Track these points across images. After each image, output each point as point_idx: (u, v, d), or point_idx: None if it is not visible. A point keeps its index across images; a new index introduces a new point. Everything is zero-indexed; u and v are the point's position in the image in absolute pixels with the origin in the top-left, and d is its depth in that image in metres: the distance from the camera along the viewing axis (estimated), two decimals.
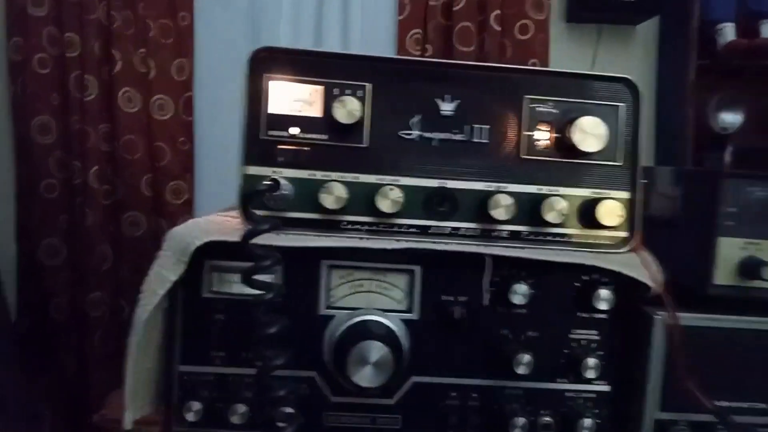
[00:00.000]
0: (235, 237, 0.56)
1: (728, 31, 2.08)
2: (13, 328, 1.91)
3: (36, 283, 2.00)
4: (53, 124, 1.98)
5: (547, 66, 2.09)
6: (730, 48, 2.06)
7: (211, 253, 0.60)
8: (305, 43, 2.14)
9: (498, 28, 2.05)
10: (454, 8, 2.05)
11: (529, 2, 2.08)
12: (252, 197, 0.56)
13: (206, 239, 0.58)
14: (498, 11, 2.05)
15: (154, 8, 1.99)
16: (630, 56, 2.30)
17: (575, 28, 2.26)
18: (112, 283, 1.96)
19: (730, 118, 2.14)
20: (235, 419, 0.60)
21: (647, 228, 0.71)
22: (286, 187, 0.60)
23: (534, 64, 2.08)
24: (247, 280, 0.53)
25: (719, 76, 2.12)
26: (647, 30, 2.29)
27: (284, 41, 2.13)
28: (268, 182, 0.58)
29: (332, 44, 2.13)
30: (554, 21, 2.19)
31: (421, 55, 2.08)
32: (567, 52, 2.23)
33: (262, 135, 0.62)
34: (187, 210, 2.04)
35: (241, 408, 0.60)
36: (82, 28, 1.95)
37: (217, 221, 0.68)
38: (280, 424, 0.55)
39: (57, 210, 1.98)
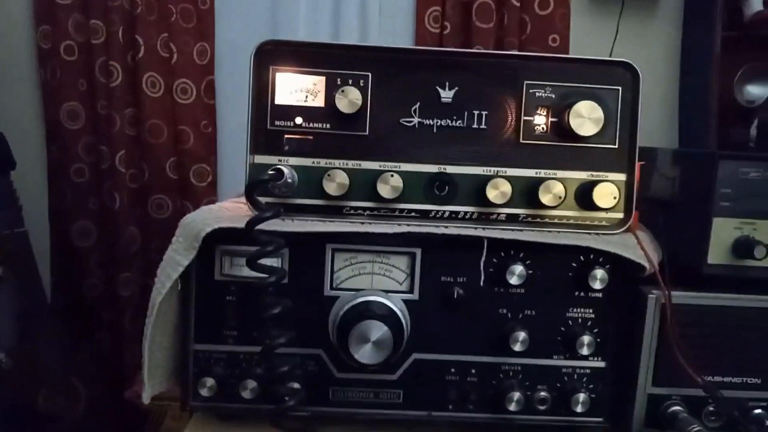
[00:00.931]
0: (242, 223, 0.59)
1: (755, 1, 2.03)
2: (49, 306, 1.99)
3: (69, 263, 2.08)
4: (81, 110, 2.04)
5: (567, 42, 2.07)
6: (758, 18, 2.01)
7: (222, 238, 0.63)
8: (324, 20, 2.15)
9: (517, 4, 2.03)
10: None
11: None
12: (256, 186, 0.59)
13: (216, 226, 0.61)
14: None
15: None
16: (653, 30, 2.25)
17: (597, 2, 2.23)
18: (140, 263, 2.03)
19: (757, 91, 2.10)
20: (246, 394, 0.64)
21: (648, 208, 0.73)
22: (290, 176, 0.63)
23: (554, 40, 2.06)
24: (252, 265, 0.56)
25: (746, 48, 2.07)
26: (671, 2, 2.24)
27: (303, 20, 2.15)
28: (272, 171, 0.61)
29: (350, 22, 2.13)
30: None
31: (441, 33, 2.07)
32: (589, 27, 2.20)
33: (269, 125, 0.65)
34: (211, 192, 2.09)
35: (252, 384, 0.64)
36: (106, 14, 1.99)
37: (229, 207, 0.71)
38: (287, 399, 0.58)
39: (87, 193, 2.05)
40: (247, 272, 0.61)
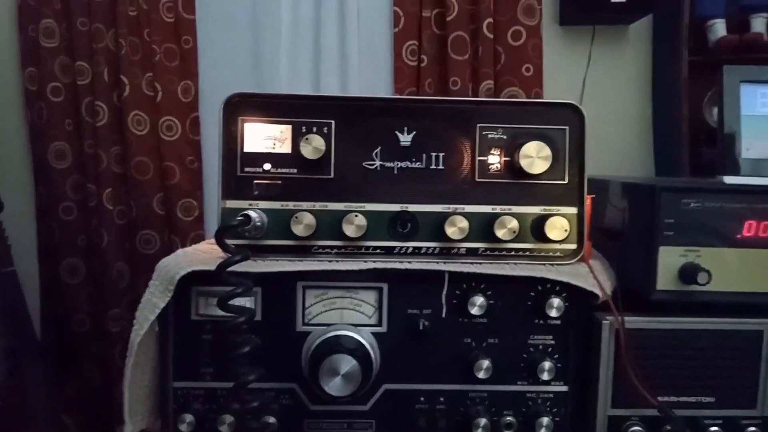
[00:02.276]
0: (214, 266, 0.63)
1: (719, 27, 2.11)
2: (39, 342, 2.01)
3: (58, 300, 2.10)
4: (68, 149, 2.07)
5: (540, 71, 2.14)
6: (721, 44, 2.09)
7: (197, 280, 0.67)
8: (304, 57, 2.21)
9: (491, 36, 2.10)
10: (447, 18, 2.10)
11: (521, 9, 2.12)
12: (225, 231, 0.63)
13: (189, 269, 0.65)
14: (490, 19, 2.09)
15: (159, 33, 2.08)
16: (624, 56, 2.33)
17: (569, 30, 2.30)
18: (129, 299, 2.05)
19: None
20: (223, 429, 0.68)
21: (602, 238, 0.77)
22: (259, 219, 0.67)
23: (528, 69, 2.12)
24: (223, 306, 0.60)
25: (711, 72, 2.14)
26: (641, 29, 2.32)
27: (284, 56, 2.20)
28: (240, 217, 0.65)
29: (330, 57, 2.19)
30: (547, 25, 2.23)
31: (418, 66, 2.14)
32: (561, 55, 2.27)
33: (239, 172, 0.69)
34: (198, 226, 2.12)
35: (229, 418, 0.68)
36: (91, 56, 2.04)
37: (204, 250, 0.75)
38: None
39: (75, 231, 2.08)
40: (221, 312, 0.65)
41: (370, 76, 2.20)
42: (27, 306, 1.88)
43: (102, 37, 2.04)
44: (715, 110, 2.15)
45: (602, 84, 2.29)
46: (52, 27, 2.05)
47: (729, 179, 0.73)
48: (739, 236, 0.69)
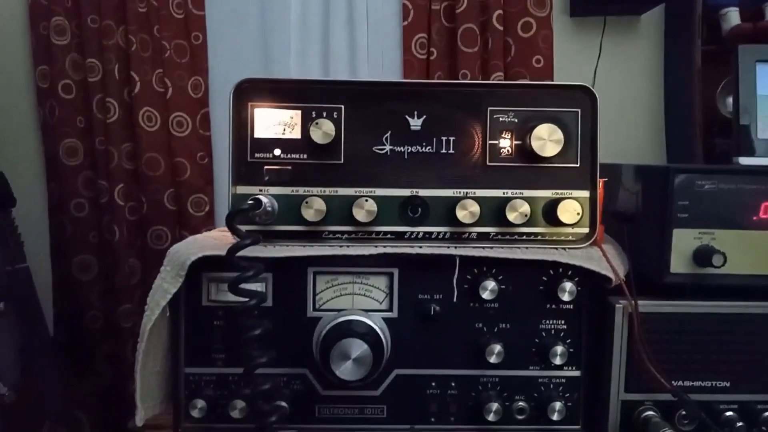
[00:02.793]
0: (225, 251, 0.62)
1: (732, 16, 2.09)
2: (52, 339, 2.02)
3: (71, 296, 2.12)
4: (80, 146, 2.09)
5: (551, 63, 2.12)
6: (735, 32, 2.07)
7: (208, 266, 0.67)
8: (314, 51, 2.21)
9: (500, 28, 2.09)
10: (457, 10, 2.09)
11: (531, 0, 2.11)
12: (236, 215, 0.63)
13: (200, 254, 0.65)
14: (500, 11, 2.08)
15: (168, 30, 2.09)
16: (636, 46, 2.31)
17: (579, 21, 2.28)
18: (141, 294, 2.06)
19: None
20: (235, 414, 0.68)
21: (615, 222, 0.77)
22: (270, 204, 0.67)
23: (538, 61, 2.11)
24: (234, 289, 0.60)
25: (725, 62, 2.12)
26: (652, 19, 2.30)
27: (294, 52, 2.21)
28: (251, 201, 0.65)
29: (340, 52, 2.19)
30: (558, 16, 2.22)
31: (427, 59, 2.13)
32: (572, 47, 2.25)
33: (249, 158, 0.69)
34: (209, 221, 2.13)
35: (240, 404, 0.68)
36: (102, 53, 2.05)
37: (215, 236, 0.75)
38: (272, 419, 0.61)
39: (87, 227, 2.09)
40: (232, 297, 0.64)
41: (379, 69, 2.20)
42: (40, 303, 1.90)
43: (112, 34, 2.05)
44: (729, 100, 2.14)
45: (613, 75, 2.27)
46: (63, 24, 2.06)
47: (744, 160, 0.72)
48: (755, 218, 0.68)
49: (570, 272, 0.69)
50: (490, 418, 0.68)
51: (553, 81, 2.14)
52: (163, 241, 2.10)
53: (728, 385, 0.70)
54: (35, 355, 1.79)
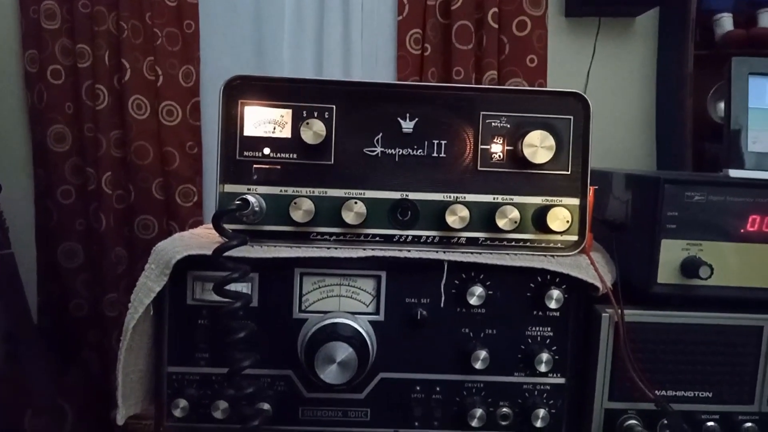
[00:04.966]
0: (211, 251, 0.62)
1: (726, 21, 2.10)
2: (36, 327, 2.01)
3: (56, 284, 2.10)
4: (68, 133, 2.07)
5: (545, 62, 2.12)
6: (728, 38, 2.08)
7: (193, 264, 0.66)
8: (307, 44, 2.20)
9: (495, 26, 2.08)
10: (452, 7, 2.08)
11: None
12: (223, 215, 0.62)
13: (185, 253, 0.64)
14: (495, 9, 2.08)
15: (161, 17, 2.07)
16: (630, 49, 2.31)
17: (574, 22, 2.28)
18: (127, 284, 2.05)
19: None
20: (218, 414, 0.67)
21: (603, 229, 0.77)
22: (257, 204, 0.66)
23: (532, 60, 2.11)
24: (219, 291, 0.59)
25: (717, 67, 2.12)
26: (647, 22, 2.30)
27: (287, 43, 2.19)
28: (238, 201, 0.64)
29: (333, 45, 2.18)
30: (553, 15, 2.22)
31: (422, 54, 2.12)
32: (566, 47, 2.25)
33: (238, 156, 0.69)
34: (197, 212, 2.11)
35: (223, 404, 0.67)
36: (92, 39, 2.03)
37: (201, 234, 0.74)
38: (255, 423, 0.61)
39: (74, 215, 2.08)
40: (217, 297, 0.64)
41: (373, 64, 2.19)
42: (24, 290, 1.88)
43: (104, 20, 2.03)
44: (720, 105, 2.15)
45: (606, 77, 2.27)
46: (53, 9, 2.03)
47: (734, 172, 0.72)
48: (742, 231, 0.68)
49: (558, 280, 0.69)
50: (474, 423, 0.68)
51: (546, 80, 2.14)
52: (151, 231, 2.09)
53: (710, 395, 0.70)
54: (19, 342, 1.77)
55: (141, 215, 2.08)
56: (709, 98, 2.16)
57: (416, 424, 0.71)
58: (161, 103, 2.08)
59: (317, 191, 0.69)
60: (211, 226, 0.77)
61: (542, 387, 0.71)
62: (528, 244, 0.71)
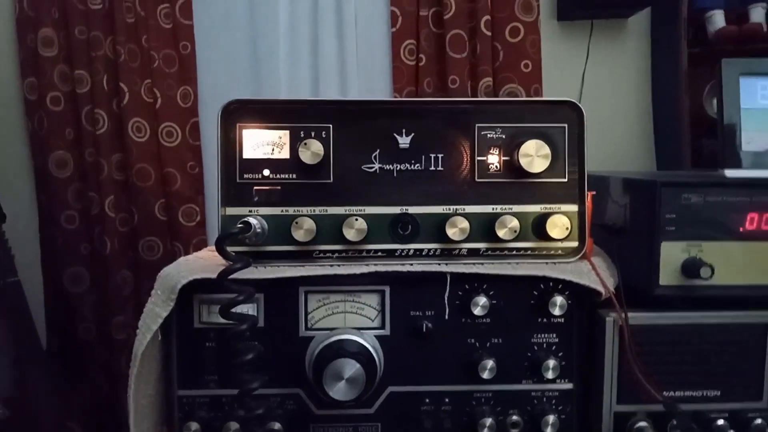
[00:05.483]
0: (215, 274, 0.63)
1: (717, 18, 2.11)
2: (45, 352, 2.01)
3: (63, 309, 2.11)
4: (69, 158, 2.08)
5: (539, 67, 2.13)
6: (721, 35, 2.09)
7: (199, 287, 0.67)
8: (303, 60, 2.21)
9: (488, 33, 2.10)
10: (445, 16, 2.10)
11: (518, 5, 2.12)
12: (225, 239, 0.63)
13: (190, 278, 0.65)
14: (488, 16, 2.09)
15: (157, 39, 2.08)
16: (623, 49, 2.32)
17: (567, 26, 2.30)
18: (134, 306, 2.06)
19: None
20: None
21: (603, 234, 0.77)
22: (260, 226, 0.67)
23: (526, 66, 2.12)
24: (225, 314, 0.60)
25: (711, 64, 2.13)
26: (639, 22, 2.31)
27: (283, 59, 2.20)
28: (240, 225, 0.65)
29: (329, 59, 2.19)
30: (545, 20, 2.23)
31: (416, 65, 2.14)
32: (560, 51, 2.26)
33: (238, 179, 0.69)
34: (200, 231, 2.12)
35: (234, 425, 0.68)
36: (90, 64, 2.05)
37: (205, 257, 0.75)
38: None
39: (78, 239, 2.09)
40: (224, 320, 0.65)
41: (368, 76, 2.20)
42: (32, 316, 1.89)
43: (100, 45, 2.05)
44: (716, 102, 2.15)
45: (601, 78, 2.28)
46: (50, 36, 2.05)
47: (730, 172, 0.73)
48: (741, 229, 0.68)
49: (560, 286, 0.70)
50: None
51: (541, 84, 2.15)
52: (155, 252, 2.09)
53: (719, 394, 0.70)
54: (28, 368, 1.78)
55: (145, 237, 2.09)
56: (704, 95, 2.17)
57: None
58: (161, 124, 2.09)
59: (318, 210, 0.70)
60: (212, 248, 0.78)
61: (551, 393, 0.71)
62: (529, 252, 0.71)
